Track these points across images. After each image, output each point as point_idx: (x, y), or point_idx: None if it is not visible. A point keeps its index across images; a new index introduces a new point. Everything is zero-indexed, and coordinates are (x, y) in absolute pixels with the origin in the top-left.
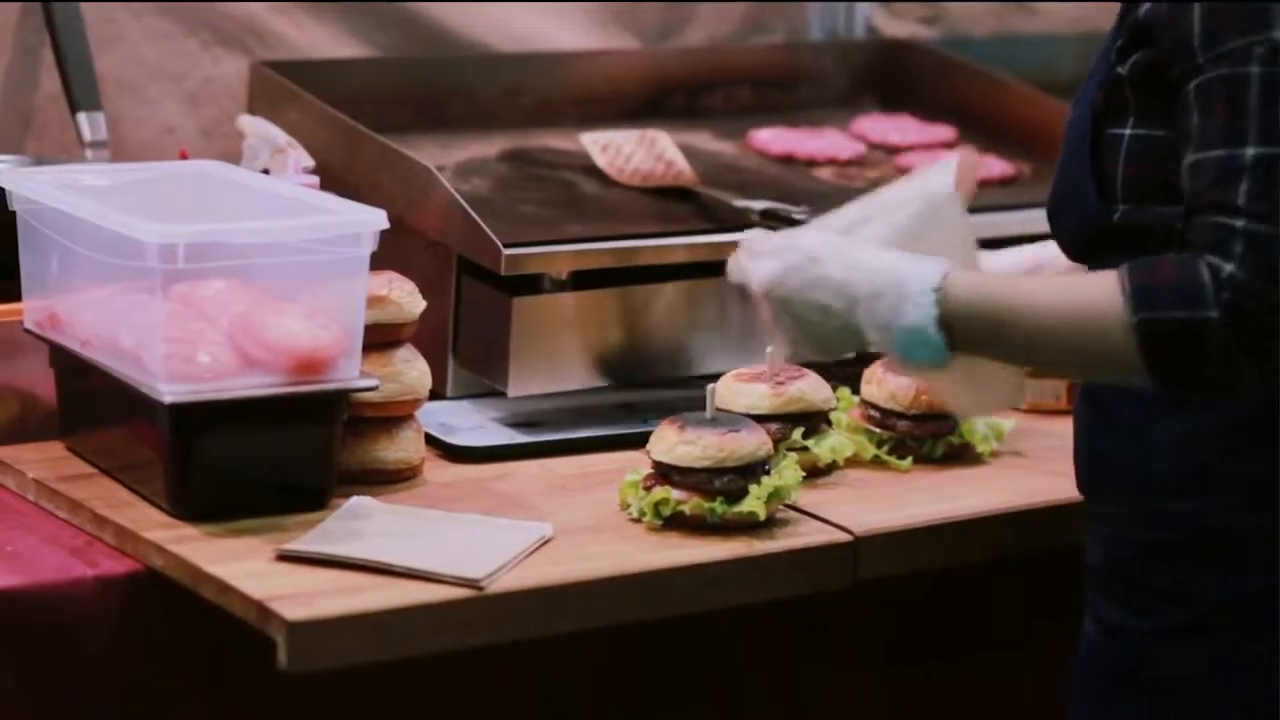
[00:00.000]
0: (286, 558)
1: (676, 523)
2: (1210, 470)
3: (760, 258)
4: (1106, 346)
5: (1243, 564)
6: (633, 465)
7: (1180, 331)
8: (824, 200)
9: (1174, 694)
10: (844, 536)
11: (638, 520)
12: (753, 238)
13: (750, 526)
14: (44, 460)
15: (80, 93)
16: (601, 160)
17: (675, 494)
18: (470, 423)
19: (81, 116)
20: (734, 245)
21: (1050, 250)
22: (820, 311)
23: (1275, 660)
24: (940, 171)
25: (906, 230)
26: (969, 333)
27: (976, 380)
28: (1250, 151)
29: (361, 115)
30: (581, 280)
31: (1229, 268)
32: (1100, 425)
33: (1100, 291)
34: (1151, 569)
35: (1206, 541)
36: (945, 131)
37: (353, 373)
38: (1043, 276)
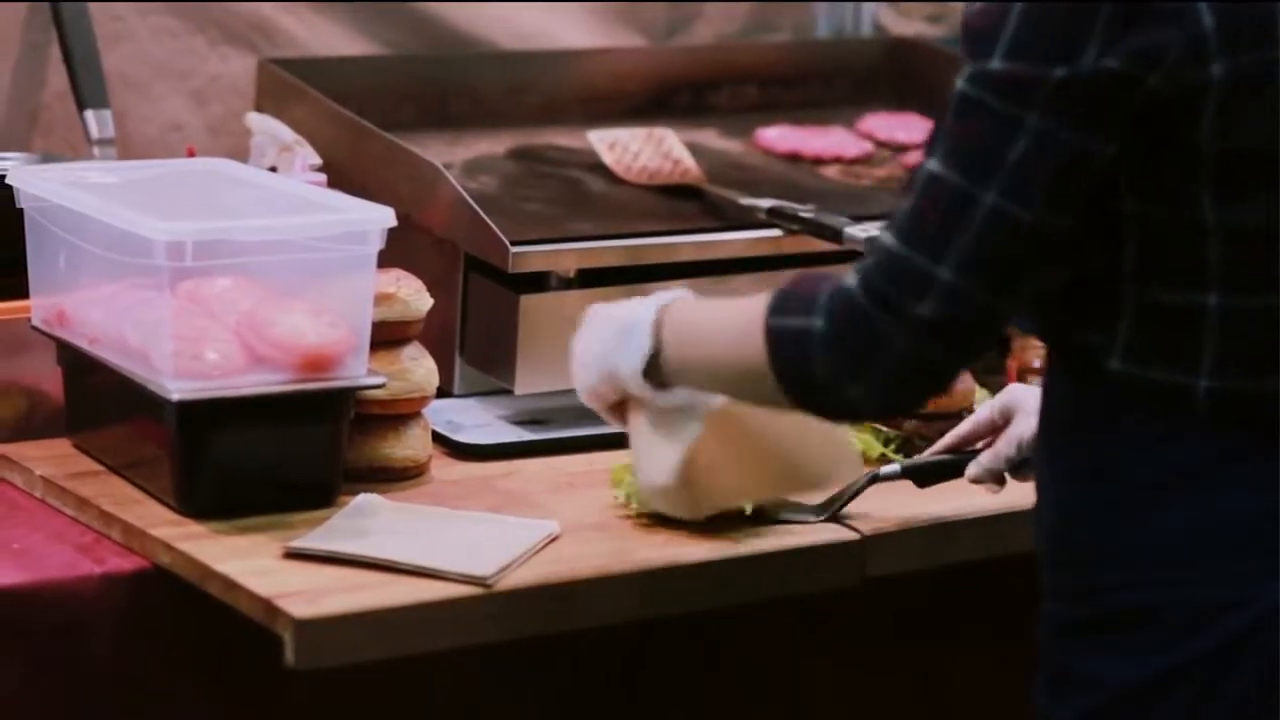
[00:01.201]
0: (293, 555)
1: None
2: (1092, 544)
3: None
4: (755, 357)
5: (1135, 646)
6: None
7: (790, 338)
8: (830, 198)
9: None
10: (851, 535)
11: (625, 506)
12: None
13: (742, 520)
14: (51, 457)
15: (87, 90)
16: (608, 158)
17: None
18: (477, 420)
19: (89, 114)
20: (741, 243)
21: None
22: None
23: None
24: None
25: None
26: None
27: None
28: (927, 166)
29: (368, 113)
30: (588, 278)
31: (850, 279)
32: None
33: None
34: (1055, 647)
35: (1104, 621)
36: None
37: (359, 370)
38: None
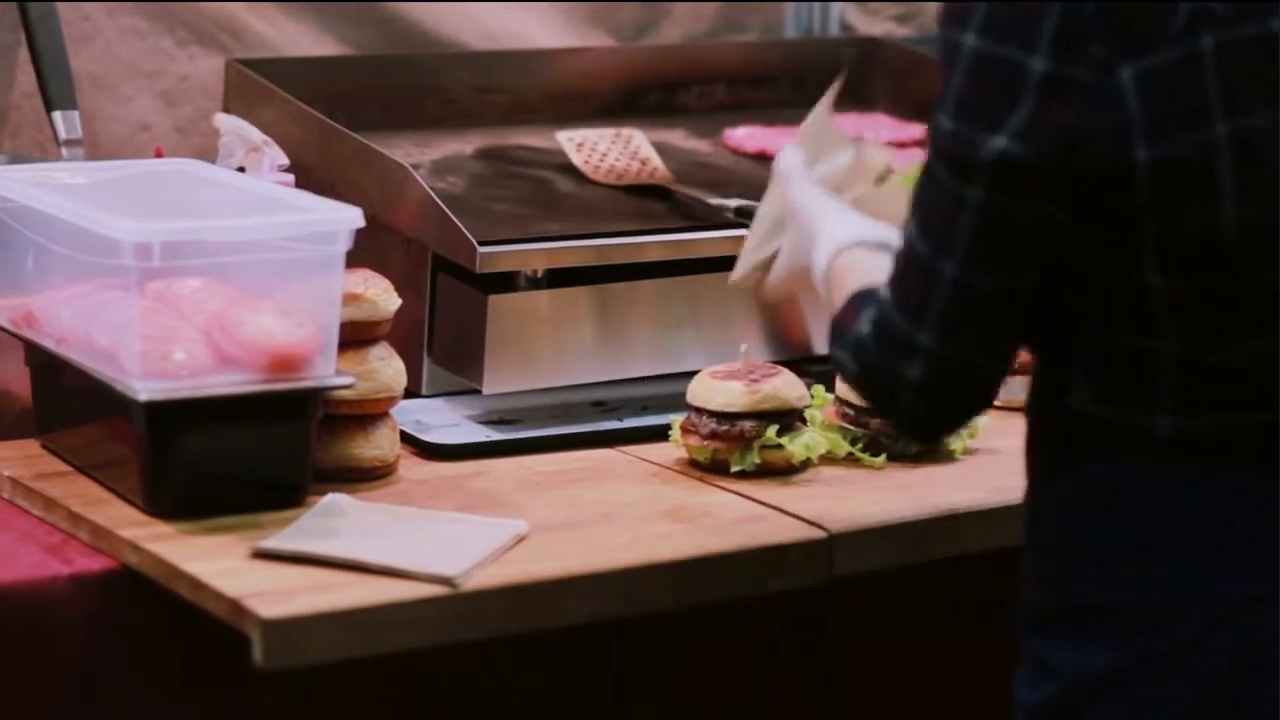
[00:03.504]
0: (261, 555)
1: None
2: (1060, 537)
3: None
4: None
5: (1094, 638)
6: (608, 462)
7: (839, 364)
8: None
9: None
10: (818, 533)
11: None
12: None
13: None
14: (19, 458)
15: (56, 91)
16: (577, 158)
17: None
18: (445, 420)
19: (57, 115)
20: (709, 243)
21: None
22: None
23: None
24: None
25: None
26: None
27: None
28: (907, 231)
29: (337, 113)
30: (556, 278)
31: (865, 328)
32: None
33: None
34: (1026, 633)
35: (1063, 613)
36: (920, 130)
37: (328, 370)
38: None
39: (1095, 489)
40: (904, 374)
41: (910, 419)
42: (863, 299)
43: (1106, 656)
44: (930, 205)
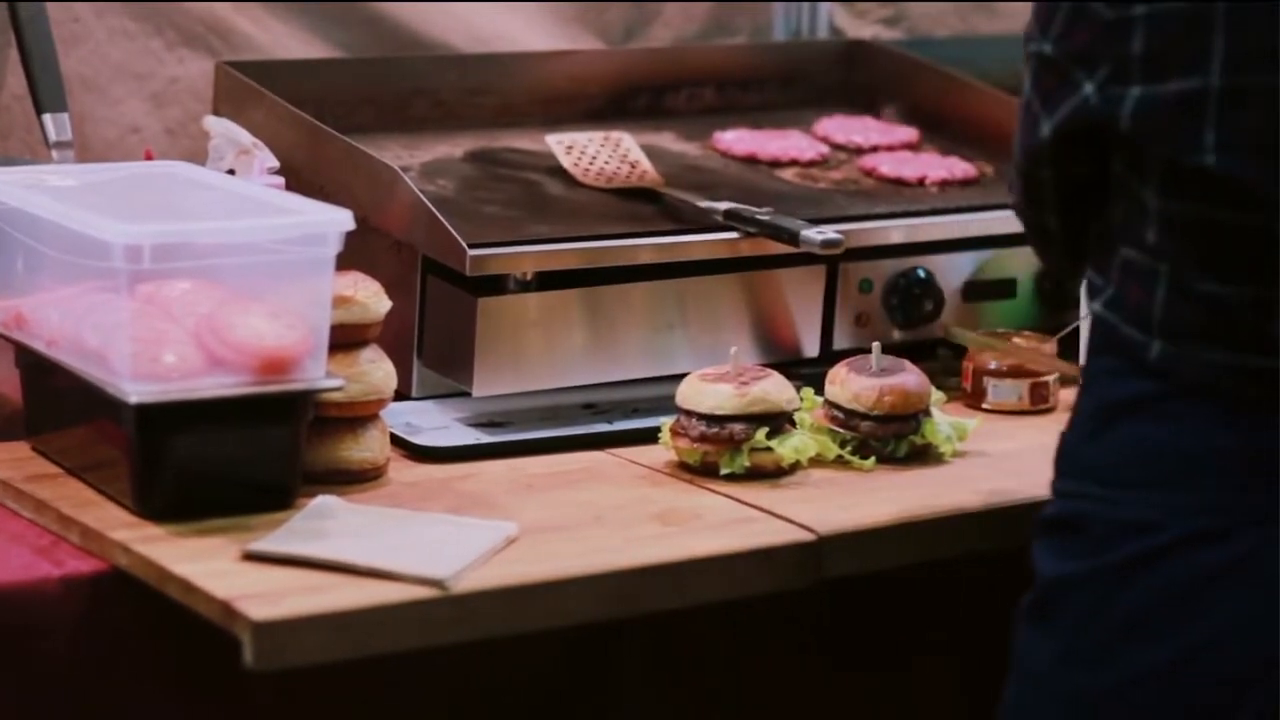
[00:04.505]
0: (252, 557)
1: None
2: (1061, 455)
3: None
4: None
5: (1065, 548)
6: (598, 465)
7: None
8: (787, 201)
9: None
10: (807, 536)
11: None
12: None
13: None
14: (9, 460)
15: (45, 93)
16: (566, 161)
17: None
18: (435, 423)
19: (47, 117)
20: (698, 246)
21: None
22: None
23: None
24: None
25: None
26: None
27: None
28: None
29: (326, 116)
30: (546, 281)
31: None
32: None
33: None
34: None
35: (1053, 522)
36: (908, 133)
37: (318, 373)
38: None
39: (1093, 409)
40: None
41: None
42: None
43: (1072, 566)
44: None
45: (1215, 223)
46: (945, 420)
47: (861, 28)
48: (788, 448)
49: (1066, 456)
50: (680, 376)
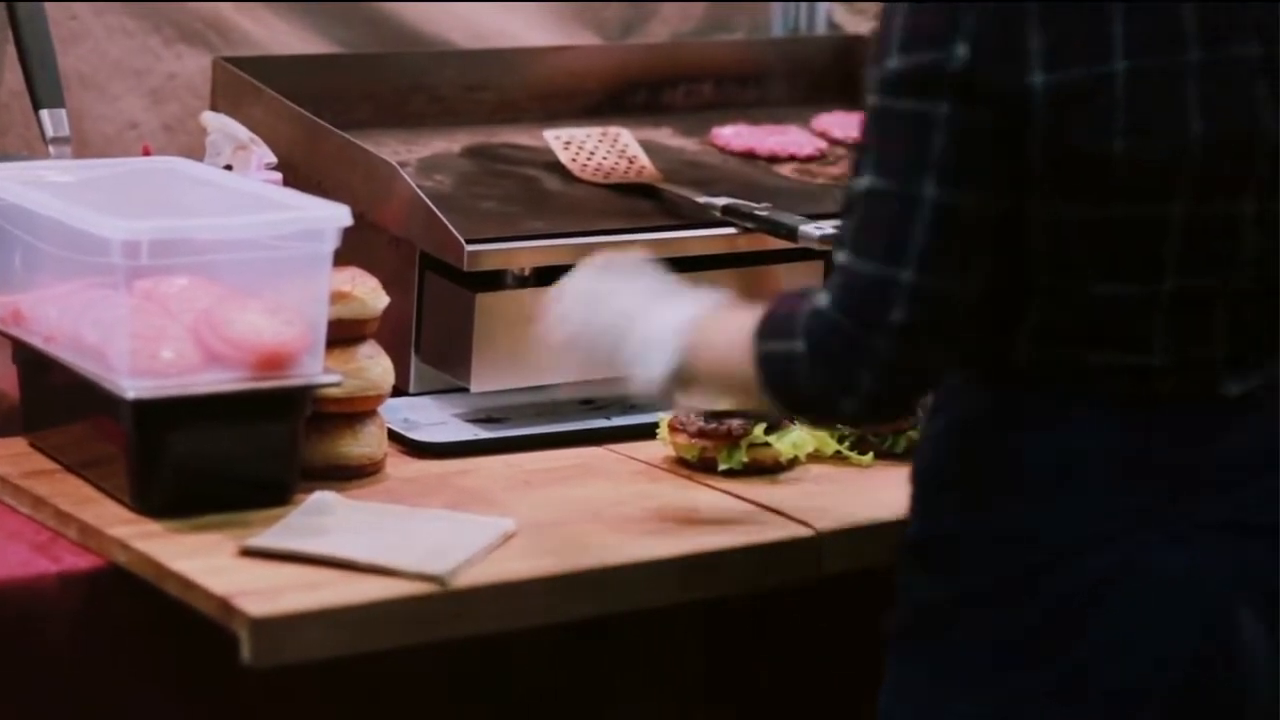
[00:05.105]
0: (250, 553)
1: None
2: (932, 470)
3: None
4: (750, 376)
5: (932, 569)
6: (596, 460)
7: (777, 362)
8: (784, 196)
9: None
10: (806, 532)
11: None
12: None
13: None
14: (7, 456)
15: (43, 89)
16: (564, 157)
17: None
18: (433, 418)
19: (44, 113)
20: (696, 242)
21: None
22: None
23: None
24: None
25: None
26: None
27: None
28: (862, 182)
29: (324, 111)
30: (544, 276)
31: (822, 300)
32: None
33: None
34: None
35: (917, 544)
36: None
37: (316, 369)
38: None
39: (957, 422)
40: (888, 320)
41: (898, 371)
42: (792, 294)
43: (945, 586)
44: (891, 140)
45: (1109, 221)
46: None
47: (859, 24)
48: (786, 443)
49: (926, 472)
50: None
